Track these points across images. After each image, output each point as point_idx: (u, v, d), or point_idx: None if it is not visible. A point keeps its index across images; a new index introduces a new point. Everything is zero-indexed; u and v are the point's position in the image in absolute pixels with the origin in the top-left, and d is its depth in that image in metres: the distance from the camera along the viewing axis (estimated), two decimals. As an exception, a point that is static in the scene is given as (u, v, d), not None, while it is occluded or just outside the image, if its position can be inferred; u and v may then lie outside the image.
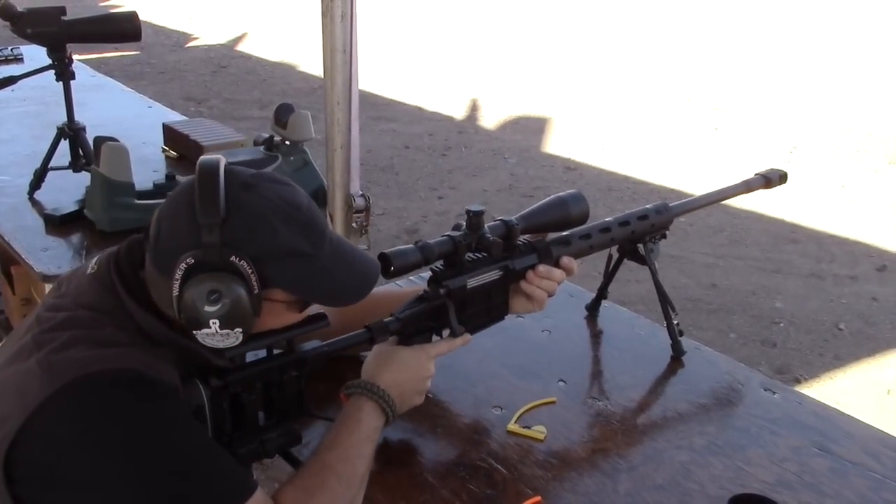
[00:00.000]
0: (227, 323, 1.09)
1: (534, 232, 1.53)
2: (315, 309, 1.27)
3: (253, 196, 1.12)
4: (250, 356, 1.26)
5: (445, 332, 1.45)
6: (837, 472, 1.37)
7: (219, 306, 1.08)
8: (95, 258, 1.24)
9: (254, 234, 1.11)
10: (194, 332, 1.10)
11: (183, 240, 1.09)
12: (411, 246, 1.36)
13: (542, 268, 1.51)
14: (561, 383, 1.61)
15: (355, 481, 1.23)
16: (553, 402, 1.54)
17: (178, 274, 1.08)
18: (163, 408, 1.07)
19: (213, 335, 1.10)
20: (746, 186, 1.82)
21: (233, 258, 1.08)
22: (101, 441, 1.03)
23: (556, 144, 6.61)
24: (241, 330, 1.11)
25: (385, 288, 1.43)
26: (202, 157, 1.14)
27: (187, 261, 1.08)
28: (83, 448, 1.02)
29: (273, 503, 1.14)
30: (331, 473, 1.20)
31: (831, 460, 1.40)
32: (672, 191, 5.49)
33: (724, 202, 1.90)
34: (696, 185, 5.45)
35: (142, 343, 1.12)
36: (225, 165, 1.14)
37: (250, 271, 1.09)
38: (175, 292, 1.09)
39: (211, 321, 1.09)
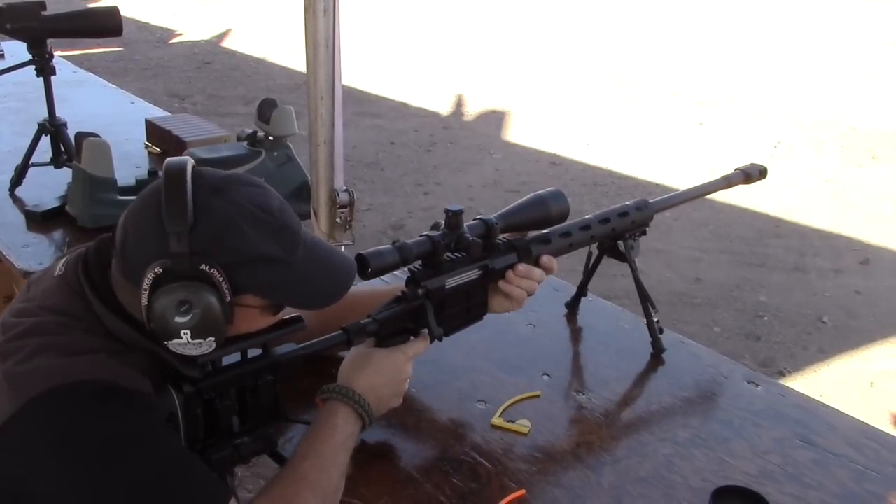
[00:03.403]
0: (198, 333, 1.07)
1: (514, 230, 1.52)
2: (291, 311, 1.25)
3: (222, 201, 1.09)
4: (224, 360, 1.24)
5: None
6: (820, 463, 1.38)
7: (190, 317, 1.05)
8: (63, 259, 1.20)
9: (224, 241, 1.07)
10: (165, 342, 1.08)
11: (150, 248, 1.06)
12: (389, 246, 1.34)
13: (521, 267, 1.49)
14: (545, 377, 1.61)
15: (330, 490, 1.20)
16: (537, 396, 1.54)
17: (147, 283, 1.05)
18: (133, 420, 1.04)
19: (185, 345, 1.08)
20: (726, 182, 1.82)
21: (203, 266, 1.05)
22: (71, 455, 1.00)
23: (541, 140, 6.61)
24: (213, 339, 1.09)
25: (363, 287, 1.41)
26: (169, 160, 1.10)
27: (155, 270, 1.05)
28: (54, 463, 0.99)
29: None
30: (305, 484, 1.18)
31: (814, 452, 1.40)
32: (657, 185, 5.51)
33: (708, 196, 1.90)
34: (682, 179, 5.46)
35: (112, 348, 1.09)
36: (193, 168, 1.10)
37: (221, 279, 1.06)
38: (144, 302, 1.06)
39: (182, 332, 1.06)
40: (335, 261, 1.22)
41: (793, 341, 3.88)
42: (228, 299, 1.07)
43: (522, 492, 1.29)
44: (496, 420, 1.46)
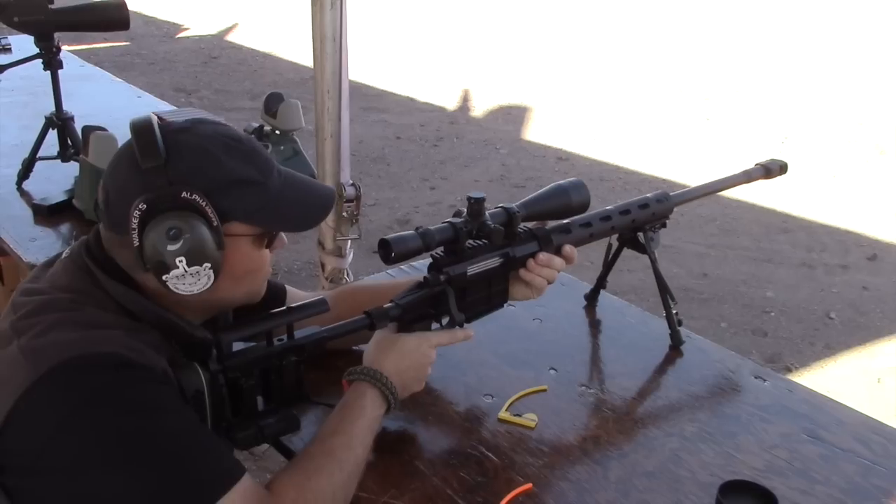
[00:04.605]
0: (193, 259, 1.09)
1: (534, 220, 1.53)
2: (298, 297, 1.25)
3: (191, 136, 1.13)
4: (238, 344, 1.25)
5: (445, 320, 1.45)
6: (827, 458, 1.37)
7: (181, 243, 1.07)
8: (69, 247, 1.23)
9: (199, 168, 1.11)
10: (164, 278, 1.09)
11: (131, 191, 1.09)
12: (412, 232, 1.35)
13: (542, 256, 1.50)
14: (552, 371, 1.61)
15: (355, 469, 1.23)
16: (544, 391, 1.54)
17: (134, 223, 1.08)
18: (147, 392, 1.06)
19: (183, 276, 1.10)
20: (747, 177, 1.80)
21: (184, 194, 1.08)
22: (85, 426, 1.01)
23: (547, 135, 6.60)
24: (209, 266, 1.11)
25: (381, 278, 1.42)
26: (132, 118, 1.14)
27: (139, 207, 1.07)
28: (68, 433, 1.01)
29: (261, 488, 1.13)
30: (332, 459, 1.20)
31: (821, 447, 1.40)
32: (664, 181, 5.49)
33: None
34: (688, 175, 5.45)
35: (124, 324, 1.11)
36: (157, 117, 1.14)
37: (204, 204, 1.09)
38: (135, 243, 1.08)
39: (177, 260, 1.08)
40: (312, 184, 1.26)
41: (800, 337, 3.87)
42: (216, 223, 1.10)
43: (529, 486, 1.29)
44: (503, 414, 1.46)
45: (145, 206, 1.07)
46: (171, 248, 1.07)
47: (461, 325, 1.45)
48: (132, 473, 1.02)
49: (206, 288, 1.12)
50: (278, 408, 1.28)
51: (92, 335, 1.06)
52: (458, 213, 1.43)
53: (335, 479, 1.19)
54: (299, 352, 1.29)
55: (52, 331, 1.06)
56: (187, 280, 1.10)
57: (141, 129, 1.10)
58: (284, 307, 1.29)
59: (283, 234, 1.25)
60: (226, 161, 1.12)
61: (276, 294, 1.52)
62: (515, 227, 1.47)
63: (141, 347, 1.08)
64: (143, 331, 1.12)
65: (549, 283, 1.52)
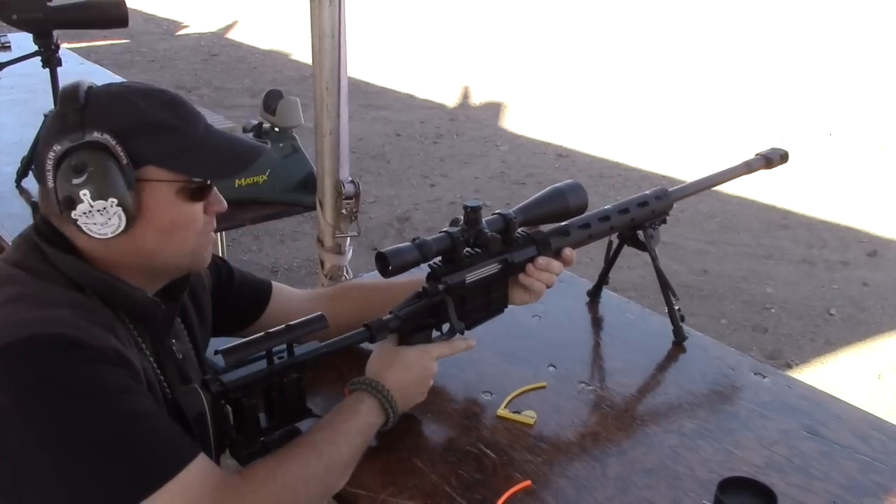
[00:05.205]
0: (97, 193, 1.08)
1: (532, 224, 1.52)
2: (286, 294, 1.25)
3: (113, 87, 1.17)
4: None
5: (446, 327, 1.45)
6: (827, 454, 1.37)
7: (85, 176, 1.08)
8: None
9: (113, 111, 1.12)
10: (73, 216, 1.09)
11: (50, 139, 1.11)
12: (408, 244, 1.35)
13: (541, 260, 1.50)
14: (551, 368, 1.61)
15: (336, 466, 1.22)
16: (543, 387, 1.54)
17: (49, 165, 1.10)
18: (97, 373, 1.05)
19: (90, 213, 1.09)
20: (747, 167, 1.79)
21: (95, 134, 1.10)
22: (33, 407, 1.01)
23: (547, 131, 6.60)
24: (116, 202, 1.09)
25: (379, 276, 1.41)
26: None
27: (54, 149, 1.10)
28: (16, 414, 1.01)
29: (222, 470, 1.12)
30: (311, 448, 1.20)
31: (821, 443, 1.40)
32: (664, 177, 5.49)
33: (715, 188, 1.88)
34: (689, 171, 5.45)
35: (73, 298, 1.11)
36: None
37: (114, 143, 1.10)
38: (49, 185, 1.10)
39: (81, 193, 1.08)
40: (238, 139, 1.25)
41: (800, 333, 3.87)
42: (125, 162, 1.10)
43: (528, 483, 1.29)
44: (502, 411, 1.46)
45: (59, 147, 1.09)
46: (75, 181, 1.08)
47: (461, 333, 1.45)
48: (81, 454, 1.01)
49: (119, 230, 1.11)
50: (281, 424, 1.29)
51: (42, 315, 1.06)
52: (454, 222, 1.42)
53: (311, 467, 1.18)
54: (300, 368, 1.29)
55: (2, 310, 1.07)
56: (96, 218, 1.10)
57: (68, 86, 1.13)
58: (283, 326, 1.27)
59: (220, 197, 1.24)
60: (143, 106, 1.13)
61: (261, 289, 1.53)
62: (513, 233, 1.47)
63: (89, 327, 1.07)
64: (93, 306, 1.12)
65: (549, 286, 1.52)
